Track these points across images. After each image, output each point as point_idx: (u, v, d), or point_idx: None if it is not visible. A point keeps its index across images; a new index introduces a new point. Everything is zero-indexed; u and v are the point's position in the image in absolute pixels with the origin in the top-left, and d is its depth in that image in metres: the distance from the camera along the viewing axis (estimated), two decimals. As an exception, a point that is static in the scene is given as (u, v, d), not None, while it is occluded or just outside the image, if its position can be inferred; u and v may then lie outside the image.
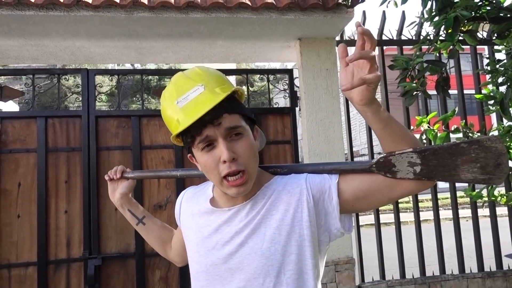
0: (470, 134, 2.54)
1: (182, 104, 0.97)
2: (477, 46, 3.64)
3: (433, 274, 3.29)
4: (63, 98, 3.27)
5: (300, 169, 1.11)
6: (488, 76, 2.66)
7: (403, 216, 7.74)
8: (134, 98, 12.41)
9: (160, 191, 2.97)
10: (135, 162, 2.94)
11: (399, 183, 0.98)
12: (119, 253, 2.85)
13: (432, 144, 2.72)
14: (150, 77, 13.41)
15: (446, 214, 8.23)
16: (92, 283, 2.73)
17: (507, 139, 2.45)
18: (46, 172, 2.83)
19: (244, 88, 3.20)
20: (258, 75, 3.50)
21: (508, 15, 2.09)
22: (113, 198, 1.40)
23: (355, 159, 16.19)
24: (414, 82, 1.91)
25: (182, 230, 1.21)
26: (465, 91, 3.62)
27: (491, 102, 2.53)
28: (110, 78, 3.27)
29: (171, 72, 3.30)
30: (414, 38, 3.49)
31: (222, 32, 2.99)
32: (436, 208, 3.42)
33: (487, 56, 3.49)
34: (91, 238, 2.81)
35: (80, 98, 2.96)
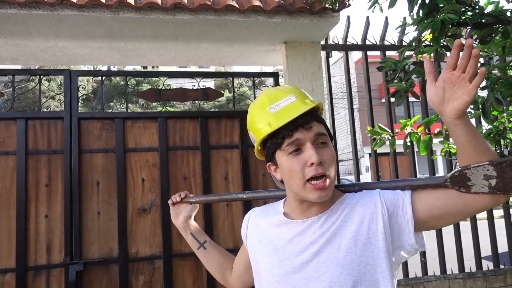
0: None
1: (274, 110, 1.04)
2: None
3: (415, 275, 3.34)
4: (46, 100, 3.19)
5: (372, 186, 1.12)
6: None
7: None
8: (114, 102, 12.22)
9: (145, 194, 2.92)
10: (119, 165, 2.88)
11: (474, 198, 0.96)
12: (102, 258, 2.78)
13: (415, 147, 2.78)
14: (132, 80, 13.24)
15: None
16: (73, 290, 2.65)
17: (489, 141, 2.51)
18: (26, 175, 2.75)
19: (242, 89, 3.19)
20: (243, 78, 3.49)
21: (490, 21, 2.15)
22: (177, 222, 1.47)
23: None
24: (403, 83, 1.94)
25: (248, 246, 1.23)
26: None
27: (472, 106, 2.60)
28: (92, 79, 3.21)
29: (156, 74, 3.27)
30: (396, 43, 3.56)
31: (208, 35, 2.98)
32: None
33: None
34: (73, 243, 2.73)
35: (62, 100, 2.90)
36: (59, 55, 3.20)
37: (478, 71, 0.86)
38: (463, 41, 0.84)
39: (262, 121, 1.06)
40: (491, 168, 0.93)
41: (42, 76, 2.91)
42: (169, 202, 1.48)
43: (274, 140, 1.03)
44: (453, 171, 0.98)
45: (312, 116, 1.04)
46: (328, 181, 1.01)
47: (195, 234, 1.44)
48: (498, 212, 3.98)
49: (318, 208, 1.07)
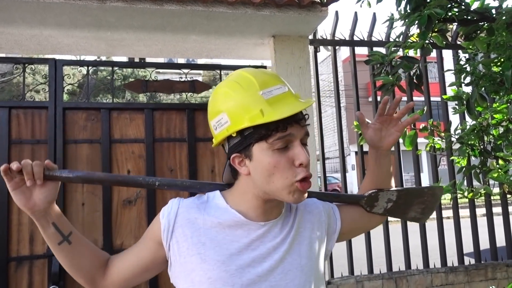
0: (437, 132, 2.64)
1: (267, 96, 0.92)
2: (442, 54, 3.79)
3: (399, 269, 3.38)
4: (31, 88, 3.14)
5: (308, 193, 1.11)
6: (450, 79, 2.77)
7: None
8: (100, 96, 12.09)
9: (130, 186, 2.89)
10: (104, 156, 2.86)
11: (371, 217, 1.19)
12: (86, 249, 2.75)
13: (401, 141, 2.81)
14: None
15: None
16: (56, 281, 2.62)
17: (472, 137, 2.55)
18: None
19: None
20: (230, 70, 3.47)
21: (475, 18, 2.18)
22: (31, 207, 0.99)
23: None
24: (390, 77, 1.96)
25: (173, 247, 0.98)
26: (431, 98, 3.75)
27: (456, 102, 2.63)
28: (79, 71, 3.17)
29: (142, 65, 3.24)
30: (384, 40, 3.59)
31: (196, 26, 2.96)
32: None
33: (453, 56, 3.64)
34: (56, 234, 2.70)
35: (47, 89, 2.85)
36: (44, 44, 3.15)
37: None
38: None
39: (251, 105, 0.91)
40: (395, 194, 1.16)
41: (26, 65, 2.86)
42: (2, 172, 0.96)
43: (262, 131, 0.91)
44: (370, 192, 1.16)
45: (302, 113, 0.97)
46: (311, 183, 0.97)
47: (58, 224, 1.02)
48: (481, 211, 4.05)
49: (277, 210, 1.03)
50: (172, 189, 1.13)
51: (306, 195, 0.98)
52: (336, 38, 3.55)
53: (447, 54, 3.96)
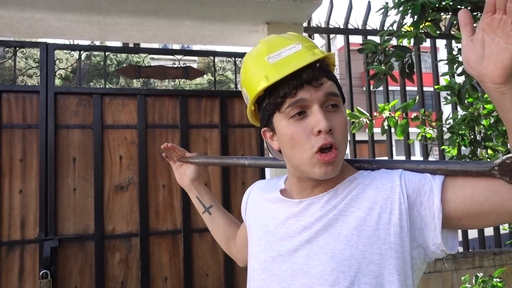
0: (428, 122, 2.66)
1: (274, 60, 0.83)
2: (436, 44, 3.79)
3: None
4: (22, 72, 3.11)
5: (394, 165, 0.89)
6: (444, 69, 2.78)
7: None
8: (94, 82, 11.97)
9: (122, 171, 2.89)
10: (96, 141, 2.84)
11: None
12: (77, 234, 2.76)
13: (393, 131, 2.82)
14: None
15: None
16: (48, 265, 2.63)
17: (463, 127, 2.57)
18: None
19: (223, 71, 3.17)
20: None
21: (469, 8, 2.18)
22: (182, 183, 1.37)
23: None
24: (382, 66, 1.97)
25: (246, 223, 1.09)
26: (424, 88, 3.76)
27: (449, 92, 2.65)
28: (71, 55, 3.13)
29: (135, 51, 3.21)
30: (378, 28, 3.58)
31: (190, 12, 2.94)
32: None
33: (446, 46, 3.64)
34: (48, 219, 2.70)
35: (39, 73, 2.82)
36: (35, 27, 3.11)
37: None
38: None
39: (258, 73, 0.85)
40: None
41: (17, 48, 2.83)
42: (163, 154, 1.39)
43: (272, 99, 0.83)
44: (504, 157, 0.73)
45: (322, 70, 0.82)
46: (337, 153, 0.80)
47: (200, 197, 1.34)
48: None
49: (321, 188, 0.87)
50: (259, 167, 1.32)
51: (334, 168, 0.81)
52: (330, 26, 3.54)
53: (443, 44, 3.96)
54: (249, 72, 0.88)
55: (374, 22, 3.67)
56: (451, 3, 2.19)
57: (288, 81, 0.79)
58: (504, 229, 2.51)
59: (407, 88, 3.68)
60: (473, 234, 3.75)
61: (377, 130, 2.66)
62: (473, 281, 2.12)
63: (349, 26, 3.59)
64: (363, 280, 0.78)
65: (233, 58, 3.24)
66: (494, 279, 2.07)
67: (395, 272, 0.78)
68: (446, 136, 2.60)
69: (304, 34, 3.39)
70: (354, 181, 0.86)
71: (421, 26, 2.08)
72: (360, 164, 0.93)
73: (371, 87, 2.90)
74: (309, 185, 0.88)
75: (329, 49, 3.63)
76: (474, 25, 0.67)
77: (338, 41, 19.10)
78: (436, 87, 2.89)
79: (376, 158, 0.93)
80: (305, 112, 0.81)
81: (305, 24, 3.37)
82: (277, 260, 0.88)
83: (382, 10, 2.51)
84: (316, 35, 3.71)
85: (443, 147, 2.90)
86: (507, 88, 0.65)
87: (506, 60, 0.63)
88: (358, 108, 2.66)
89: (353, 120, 2.64)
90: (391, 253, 0.78)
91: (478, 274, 2.11)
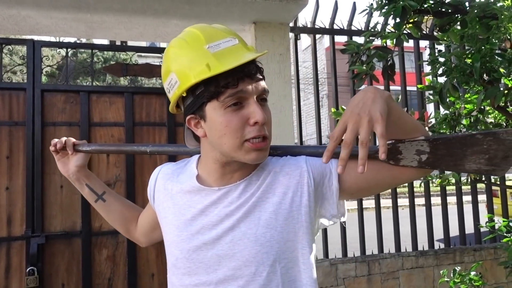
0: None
1: (214, 50, 0.85)
2: (419, 45, 3.87)
3: (372, 253, 3.50)
4: (9, 69, 3.09)
5: (297, 151, 1.01)
6: (429, 69, 2.85)
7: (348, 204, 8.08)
8: (80, 79, 11.86)
9: (109, 169, 2.91)
10: (83, 139, 2.83)
11: (402, 170, 0.93)
12: (64, 231, 2.77)
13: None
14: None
15: (384, 203, 8.68)
16: (34, 262, 2.64)
17: (444, 127, 2.65)
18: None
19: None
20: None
21: (450, 10, 2.24)
22: (67, 172, 1.26)
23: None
24: (364, 66, 2.02)
25: (156, 210, 1.09)
26: (407, 88, 3.84)
27: (431, 92, 2.72)
28: (58, 53, 3.13)
29: (123, 49, 3.22)
30: (363, 29, 3.64)
31: (177, 11, 2.96)
32: (377, 198, 3.65)
33: (429, 47, 3.72)
34: (34, 216, 2.71)
35: (25, 71, 2.82)
36: (21, 24, 3.10)
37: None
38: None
39: (197, 60, 0.85)
40: (425, 144, 0.91)
41: (3, 46, 2.82)
42: (51, 148, 1.27)
43: (211, 88, 0.84)
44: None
45: (257, 67, 0.89)
46: (267, 142, 0.90)
47: (91, 185, 1.26)
48: (452, 199, 4.19)
49: (239, 174, 0.95)
50: (162, 154, 1.26)
51: (264, 154, 0.91)
52: (316, 27, 3.60)
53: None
54: (184, 59, 0.88)
55: (359, 23, 3.73)
56: (432, 5, 2.26)
57: (231, 73, 0.83)
58: (481, 226, 2.59)
59: (392, 87, 3.75)
60: (454, 231, 3.85)
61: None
62: (451, 275, 2.20)
63: (335, 27, 3.65)
64: (283, 256, 0.90)
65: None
66: (472, 273, 2.15)
67: (306, 245, 0.93)
68: (428, 134, 2.66)
69: (291, 34, 3.43)
70: (266, 168, 0.96)
71: (403, 28, 2.14)
72: None
73: (354, 86, 2.96)
74: (231, 169, 0.94)
75: (315, 49, 3.68)
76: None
77: (326, 40, 19.23)
78: (419, 86, 2.96)
79: (280, 145, 1.04)
80: (241, 103, 0.86)
81: (291, 24, 3.42)
82: (201, 248, 0.93)
83: (367, 11, 2.57)
84: (303, 35, 3.76)
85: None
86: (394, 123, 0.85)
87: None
88: (343, 107, 2.72)
89: (337, 118, 2.70)
90: (303, 230, 0.92)
91: (456, 268, 2.19)
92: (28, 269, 2.61)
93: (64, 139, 1.26)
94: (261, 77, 0.89)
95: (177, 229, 0.97)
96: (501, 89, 2.00)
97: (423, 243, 3.73)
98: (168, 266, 1.02)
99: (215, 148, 0.92)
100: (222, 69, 0.82)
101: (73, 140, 1.27)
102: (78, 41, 4.80)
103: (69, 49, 2.98)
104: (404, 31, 2.18)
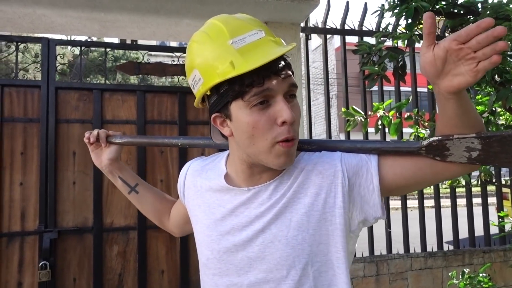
0: (421, 122, 2.73)
1: (238, 45, 0.80)
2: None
3: (380, 253, 3.50)
4: (23, 66, 3.15)
5: (332, 146, 0.94)
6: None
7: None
8: (91, 77, 11.98)
9: (121, 166, 2.94)
10: (95, 136, 2.89)
11: (447, 166, 0.85)
12: (76, 227, 2.81)
13: (386, 130, 2.89)
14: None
15: (393, 204, 8.65)
16: (47, 257, 2.69)
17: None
18: (1, 142, 2.74)
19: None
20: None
21: (462, 11, 2.24)
22: (100, 164, 1.27)
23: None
24: (376, 67, 2.03)
25: (187, 207, 1.08)
26: (418, 89, 3.83)
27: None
28: (71, 50, 3.18)
29: (135, 47, 3.26)
30: (374, 29, 3.64)
31: (190, 10, 2.99)
32: (387, 199, 3.65)
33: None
34: (47, 211, 2.75)
35: (37, 68, 2.87)
36: (37, 23, 3.15)
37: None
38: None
39: (221, 58, 0.80)
40: (476, 141, 0.84)
41: (19, 43, 2.87)
42: (85, 140, 1.25)
43: (236, 87, 0.79)
44: (431, 140, 0.85)
45: (285, 61, 0.84)
46: (294, 143, 0.85)
47: (124, 177, 1.26)
48: (461, 201, 4.17)
49: (268, 174, 0.90)
50: (193, 147, 1.27)
51: (291, 158, 0.86)
52: (327, 27, 3.61)
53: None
54: (207, 55, 0.83)
55: (370, 23, 3.73)
56: (444, 6, 2.26)
57: (257, 70, 0.77)
58: (493, 224, 2.58)
59: (403, 88, 3.75)
60: (463, 234, 3.83)
61: (371, 129, 2.73)
62: (460, 277, 2.20)
63: (346, 27, 3.66)
64: (315, 260, 0.86)
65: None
66: (480, 275, 2.14)
67: (341, 249, 0.87)
68: (438, 136, 2.66)
69: (302, 34, 3.45)
70: (298, 166, 0.91)
71: (414, 29, 2.14)
72: (300, 145, 0.95)
73: (366, 86, 2.96)
74: (259, 170, 0.90)
75: (325, 50, 3.69)
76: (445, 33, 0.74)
77: (336, 40, 19.19)
78: (429, 87, 2.96)
79: (314, 139, 0.99)
80: (267, 102, 0.81)
81: (302, 24, 3.43)
82: (231, 250, 0.90)
83: (378, 12, 2.58)
84: (314, 35, 3.77)
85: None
86: (453, 96, 0.74)
87: (462, 83, 0.70)
88: (353, 106, 2.72)
89: (348, 118, 2.71)
90: (337, 233, 0.87)
91: (464, 270, 2.19)
92: (40, 264, 2.66)
93: (96, 131, 1.25)
94: (289, 72, 0.83)
95: (207, 229, 0.95)
96: (513, 90, 1.99)
97: (432, 245, 3.72)
98: (200, 265, 1.00)
99: (242, 148, 0.87)
100: (247, 68, 0.76)
101: (106, 132, 1.26)
102: (88, 39, 4.85)
103: (83, 48, 3.02)
104: (416, 32, 2.19)
